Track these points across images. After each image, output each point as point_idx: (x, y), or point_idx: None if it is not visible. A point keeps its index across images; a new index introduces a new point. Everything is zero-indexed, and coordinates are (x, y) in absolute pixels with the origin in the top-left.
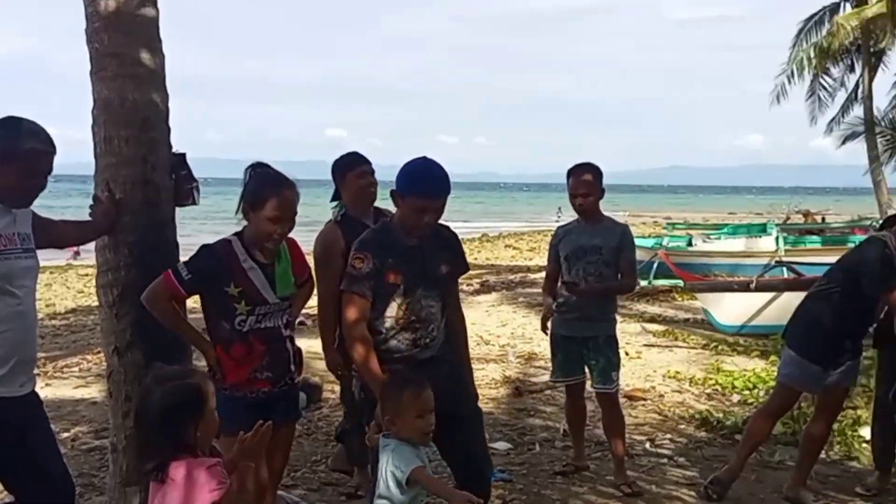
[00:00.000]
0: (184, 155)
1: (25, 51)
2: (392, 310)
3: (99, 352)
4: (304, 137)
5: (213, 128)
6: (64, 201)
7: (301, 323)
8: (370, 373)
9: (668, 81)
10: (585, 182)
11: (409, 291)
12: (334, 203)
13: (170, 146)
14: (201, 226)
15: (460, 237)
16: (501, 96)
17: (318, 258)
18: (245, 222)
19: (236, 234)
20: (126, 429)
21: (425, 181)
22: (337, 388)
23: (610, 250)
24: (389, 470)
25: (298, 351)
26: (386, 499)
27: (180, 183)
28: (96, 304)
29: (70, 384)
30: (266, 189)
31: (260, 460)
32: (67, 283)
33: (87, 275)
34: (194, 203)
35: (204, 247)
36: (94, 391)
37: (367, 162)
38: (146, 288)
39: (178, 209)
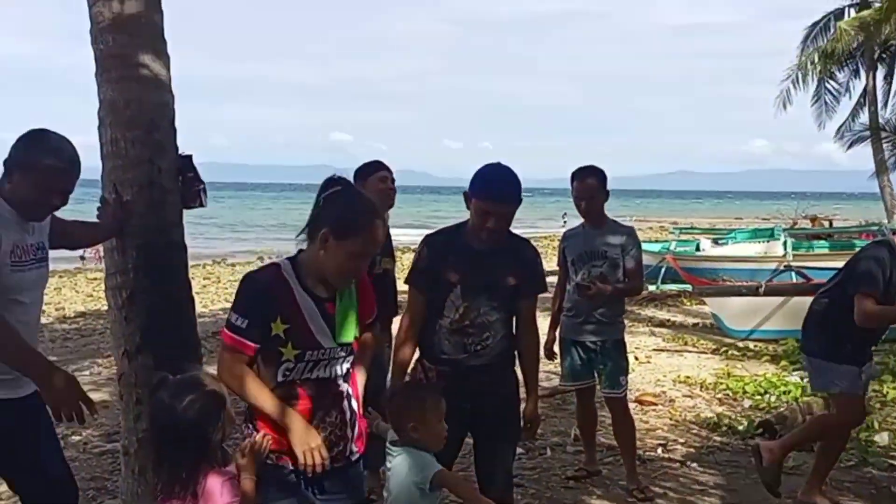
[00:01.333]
0: (190, 157)
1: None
2: (448, 310)
3: (109, 355)
4: (308, 141)
5: (218, 131)
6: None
7: None
8: (397, 361)
9: (672, 87)
10: (589, 185)
11: (466, 294)
12: None
13: (176, 148)
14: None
15: None
16: (505, 101)
17: None
18: (303, 245)
19: (290, 258)
20: (138, 431)
21: (490, 185)
22: None
23: (616, 253)
24: (411, 479)
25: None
26: None
27: (187, 185)
28: (105, 308)
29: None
30: (360, 218)
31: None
32: (77, 287)
33: (95, 279)
34: (202, 205)
35: (246, 277)
36: (105, 394)
37: (387, 169)
38: (153, 290)
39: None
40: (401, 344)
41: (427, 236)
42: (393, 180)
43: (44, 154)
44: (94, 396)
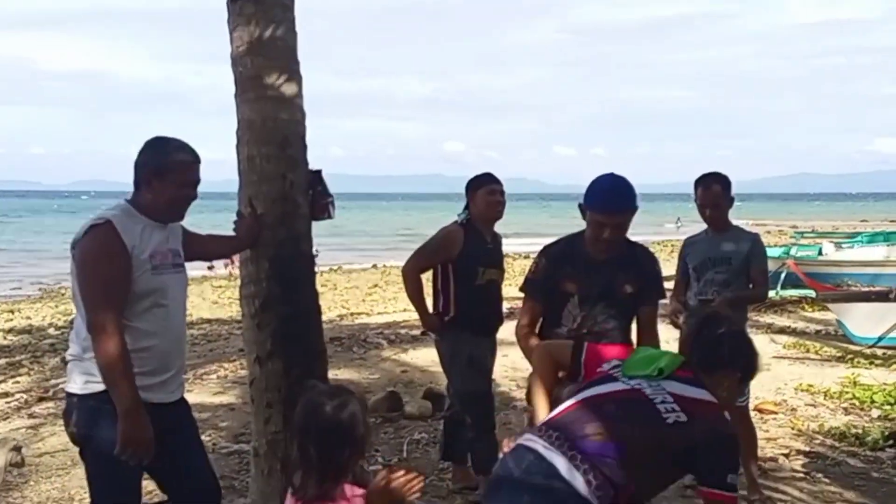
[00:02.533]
0: (320, 171)
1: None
2: (566, 319)
3: (234, 359)
4: (422, 152)
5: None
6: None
7: (423, 333)
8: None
9: (797, 87)
10: (714, 192)
11: (584, 303)
12: (463, 212)
13: (307, 163)
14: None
15: None
16: (617, 106)
17: (430, 241)
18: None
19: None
20: (267, 434)
21: (604, 196)
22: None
23: (740, 260)
24: None
25: None
26: None
27: (316, 198)
28: (230, 315)
29: (208, 391)
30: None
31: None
32: (203, 295)
33: (220, 286)
34: (330, 217)
35: None
36: (232, 397)
37: (497, 181)
38: (283, 299)
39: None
40: (526, 344)
41: (545, 247)
42: (502, 192)
43: (175, 152)
44: (221, 399)
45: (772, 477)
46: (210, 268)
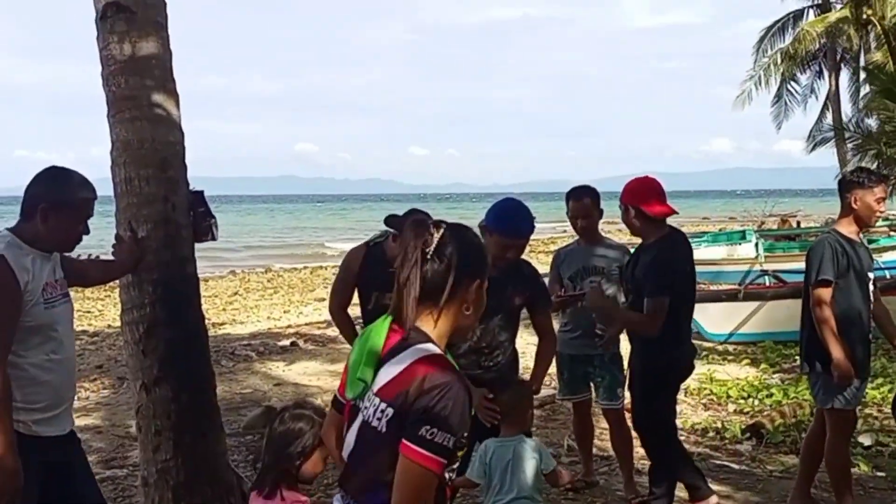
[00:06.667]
0: (202, 192)
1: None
2: (472, 333)
3: (95, 378)
4: (274, 153)
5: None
6: None
7: (293, 343)
8: None
9: (631, 89)
10: (585, 204)
11: (483, 319)
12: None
13: (188, 184)
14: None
15: None
16: (471, 108)
17: (340, 270)
18: None
19: None
20: (157, 462)
21: (510, 222)
22: None
23: (612, 268)
24: (537, 463)
25: None
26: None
27: (199, 220)
28: (80, 327)
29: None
30: None
31: None
32: None
33: (77, 309)
34: (213, 238)
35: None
36: (97, 419)
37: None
38: (170, 323)
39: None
40: None
41: None
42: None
43: (78, 189)
44: (86, 422)
45: (644, 476)
46: None
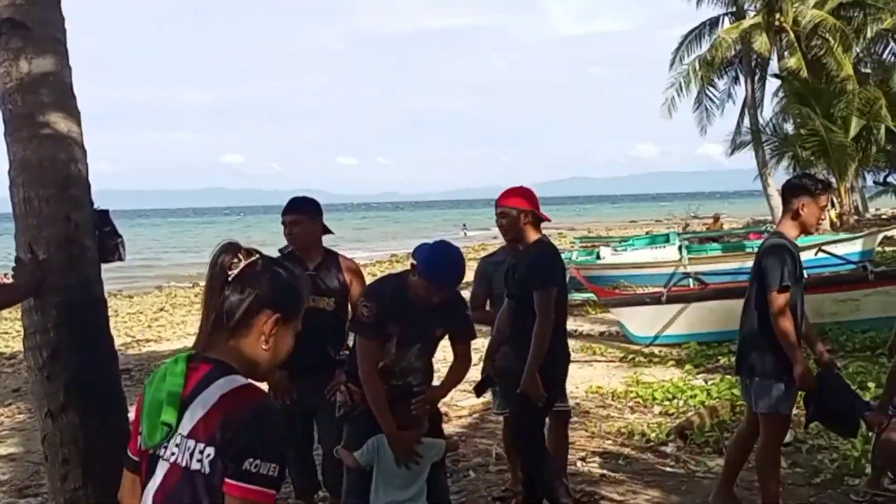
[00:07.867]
0: (107, 211)
1: None
2: (387, 356)
3: (11, 404)
4: (201, 165)
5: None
6: None
7: None
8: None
9: (567, 95)
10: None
11: (402, 345)
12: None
13: (91, 203)
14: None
15: (369, 261)
16: (398, 115)
17: None
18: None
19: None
20: (66, 491)
21: (439, 273)
22: None
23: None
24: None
25: None
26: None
27: (105, 239)
28: (6, 353)
29: None
30: None
31: None
32: None
33: None
34: (120, 259)
35: None
36: (11, 447)
37: (289, 212)
38: (76, 347)
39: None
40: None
41: (376, 291)
42: (299, 222)
43: None
44: None
45: (573, 480)
46: None
